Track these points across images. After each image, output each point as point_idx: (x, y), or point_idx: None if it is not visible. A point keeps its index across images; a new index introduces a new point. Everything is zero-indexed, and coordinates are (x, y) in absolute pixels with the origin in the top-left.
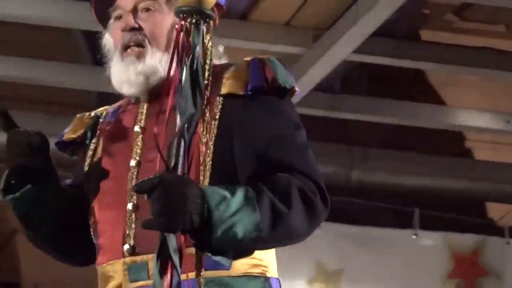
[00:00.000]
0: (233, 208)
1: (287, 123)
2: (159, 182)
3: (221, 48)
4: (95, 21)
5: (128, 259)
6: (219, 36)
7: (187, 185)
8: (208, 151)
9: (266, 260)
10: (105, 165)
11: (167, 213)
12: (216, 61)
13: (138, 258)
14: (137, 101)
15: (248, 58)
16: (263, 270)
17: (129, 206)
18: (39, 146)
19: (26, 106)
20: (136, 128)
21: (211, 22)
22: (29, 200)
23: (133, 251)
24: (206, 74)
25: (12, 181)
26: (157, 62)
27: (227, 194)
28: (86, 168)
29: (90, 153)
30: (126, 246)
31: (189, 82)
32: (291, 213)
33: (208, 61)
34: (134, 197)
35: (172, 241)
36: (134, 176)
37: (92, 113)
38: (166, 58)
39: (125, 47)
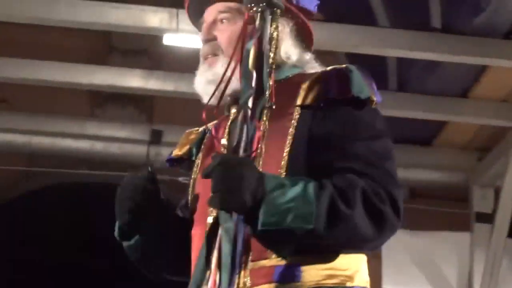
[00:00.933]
0: (289, 196)
1: (361, 132)
2: (219, 163)
3: (307, 56)
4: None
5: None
6: None
7: (245, 166)
8: (282, 161)
9: (349, 269)
10: (199, 181)
11: (221, 191)
12: (299, 69)
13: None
14: (228, 112)
15: (328, 68)
16: (342, 280)
17: (209, 219)
18: (152, 190)
19: None
20: (223, 141)
21: (278, 11)
22: (142, 247)
23: None
24: (270, 61)
25: (124, 228)
26: (230, 70)
27: (286, 182)
28: (191, 185)
29: (194, 169)
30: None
31: (251, 67)
32: (353, 213)
33: (273, 49)
34: (214, 212)
35: (229, 224)
36: None
37: (200, 128)
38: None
39: (204, 58)
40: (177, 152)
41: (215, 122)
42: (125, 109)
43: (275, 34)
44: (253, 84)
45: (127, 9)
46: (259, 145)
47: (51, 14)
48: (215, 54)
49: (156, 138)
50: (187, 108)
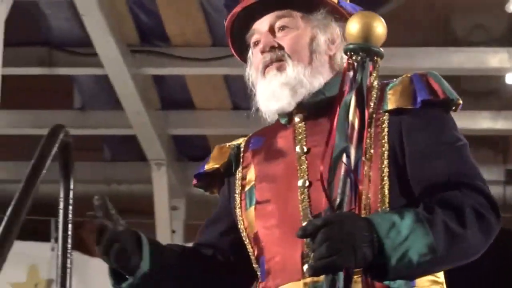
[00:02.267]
0: (404, 233)
1: (453, 137)
2: (323, 224)
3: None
4: None
5: (309, 280)
6: None
7: (352, 220)
8: (384, 176)
9: (441, 275)
10: (262, 190)
11: (336, 253)
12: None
13: (320, 278)
14: (289, 121)
15: (408, 74)
16: (441, 286)
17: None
18: (137, 247)
19: None
20: (298, 149)
21: (379, 60)
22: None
23: None
24: (368, 112)
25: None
26: (301, 74)
27: (396, 218)
28: (236, 198)
29: (238, 182)
30: (306, 267)
31: (350, 118)
32: (467, 233)
33: (372, 99)
34: (309, 215)
35: (341, 279)
36: (306, 196)
37: (231, 144)
38: (309, 70)
39: (266, 66)
40: (213, 165)
41: (244, 138)
42: (478, 151)
43: (375, 83)
44: (349, 136)
45: (468, 52)
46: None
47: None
48: (280, 60)
49: (511, 178)
50: None
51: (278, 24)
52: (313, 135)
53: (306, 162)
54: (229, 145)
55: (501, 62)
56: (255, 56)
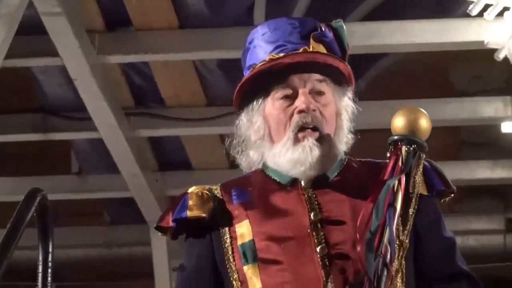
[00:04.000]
0: None
1: (445, 227)
2: None
3: None
4: None
5: None
6: None
7: None
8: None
9: None
10: (268, 249)
11: None
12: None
13: None
14: (292, 184)
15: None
16: None
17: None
18: None
19: None
20: (312, 216)
21: (423, 156)
22: None
23: None
24: (413, 203)
25: None
26: (332, 149)
27: None
28: (227, 251)
29: (227, 235)
30: None
31: (394, 203)
32: None
33: (416, 191)
34: (330, 283)
35: None
36: (327, 262)
37: (205, 192)
38: (333, 143)
39: (303, 128)
40: (197, 213)
41: (217, 186)
42: (479, 201)
43: (417, 177)
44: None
45: (463, 102)
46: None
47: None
48: (317, 128)
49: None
50: None
51: (317, 88)
52: (326, 204)
53: (323, 229)
54: (206, 193)
55: (497, 112)
56: (279, 110)
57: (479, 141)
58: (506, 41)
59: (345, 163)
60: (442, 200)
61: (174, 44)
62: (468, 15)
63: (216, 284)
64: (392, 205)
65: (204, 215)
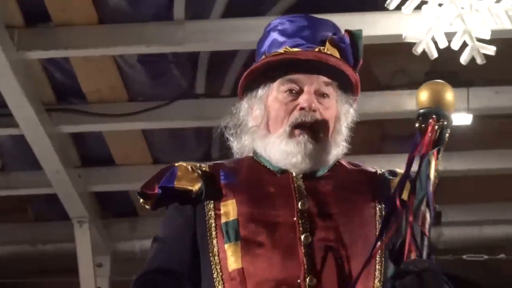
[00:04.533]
0: None
1: None
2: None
3: None
4: None
5: None
6: None
7: None
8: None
9: None
10: (251, 230)
11: None
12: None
13: None
14: (282, 172)
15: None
16: None
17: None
18: None
19: None
20: (300, 205)
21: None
22: None
23: None
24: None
25: None
26: (327, 151)
27: None
28: (210, 227)
29: (211, 212)
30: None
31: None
32: None
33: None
34: (314, 279)
35: None
36: (308, 254)
37: (194, 167)
38: (328, 146)
39: (298, 125)
40: (185, 185)
41: (209, 163)
42: None
43: (440, 154)
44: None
45: (385, 96)
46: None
47: None
48: (316, 128)
49: (437, 219)
50: (465, 186)
51: (323, 90)
52: (315, 195)
53: (309, 219)
54: (194, 168)
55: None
56: (282, 102)
57: (403, 134)
58: (423, 35)
59: (337, 163)
60: None
61: (94, 40)
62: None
63: (193, 257)
64: (428, 176)
65: (191, 188)
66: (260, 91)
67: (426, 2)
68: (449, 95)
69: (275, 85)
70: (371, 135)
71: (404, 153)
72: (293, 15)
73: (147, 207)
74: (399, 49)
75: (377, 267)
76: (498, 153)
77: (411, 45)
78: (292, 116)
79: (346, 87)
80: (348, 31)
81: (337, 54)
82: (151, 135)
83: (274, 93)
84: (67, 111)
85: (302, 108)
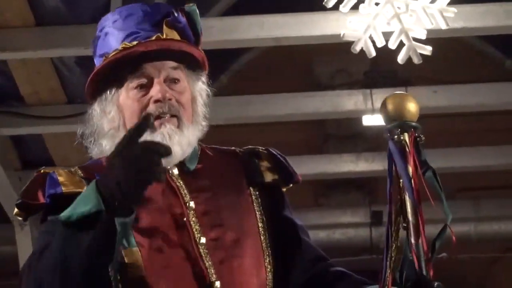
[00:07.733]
0: None
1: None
2: None
3: None
4: None
5: None
6: None
7: None
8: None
9: None
10: (146, 235)
11: None
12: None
13: None
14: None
15: (261, 148)
16: None
17: (217, 284)
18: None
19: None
20: (187, 205)
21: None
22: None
23: None
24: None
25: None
26: (191, 134)
27: None
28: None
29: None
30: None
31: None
32: None
33: None
34: (214, 276)
35: None
36: (207, 252)
37: (71, 170)
38: (193, 132)
39: (159, 117)
40: (77, 189)
41: (80, 169)
42: (347, 194)
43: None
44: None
45: (325, 96)
46: None
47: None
48: (173, 115)
49: (377, 219)
50: None
51: (172, 75)
52: (197, 193)
53: (198, 218)
54: (73, 172)
55: (357, 105)
56: (134, 99)
57: (344, 134)
58: (362, 34)
59: (199, 151)
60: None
61: (31, 42)
62: (326, 8)
63: None
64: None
65: (81, 191)
66: (110, 93)
67: (363, 1)
68: (414, 104)
69: (124, 83)
70: (313, 135)
71: (345, 153)
72: (123, 6)
73: (19, 218)
74: (339, 49)
75: (267, 259)
76: (436, 153)
77: (351, 45)
78: (148, 110)
79: (194, 65)
80: (181, 9)
81: (176, 36)
82: None
83: (124, 92)
84: (6, 113)
85: (157, 101)
